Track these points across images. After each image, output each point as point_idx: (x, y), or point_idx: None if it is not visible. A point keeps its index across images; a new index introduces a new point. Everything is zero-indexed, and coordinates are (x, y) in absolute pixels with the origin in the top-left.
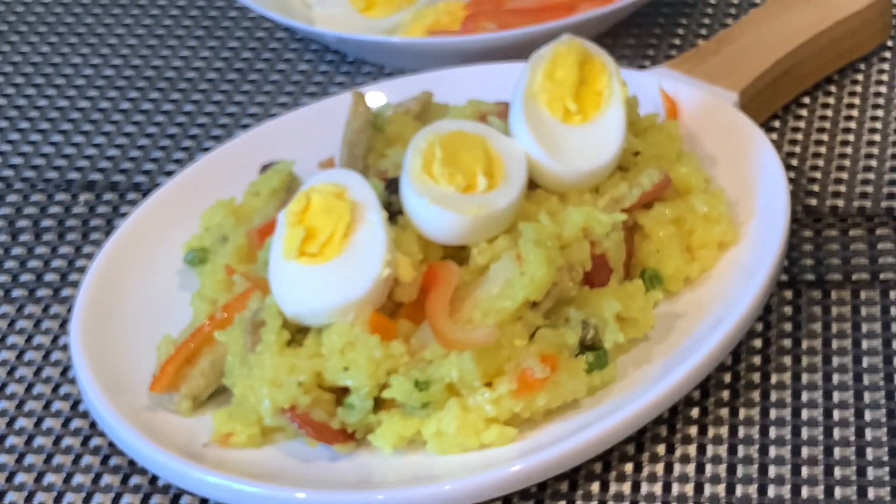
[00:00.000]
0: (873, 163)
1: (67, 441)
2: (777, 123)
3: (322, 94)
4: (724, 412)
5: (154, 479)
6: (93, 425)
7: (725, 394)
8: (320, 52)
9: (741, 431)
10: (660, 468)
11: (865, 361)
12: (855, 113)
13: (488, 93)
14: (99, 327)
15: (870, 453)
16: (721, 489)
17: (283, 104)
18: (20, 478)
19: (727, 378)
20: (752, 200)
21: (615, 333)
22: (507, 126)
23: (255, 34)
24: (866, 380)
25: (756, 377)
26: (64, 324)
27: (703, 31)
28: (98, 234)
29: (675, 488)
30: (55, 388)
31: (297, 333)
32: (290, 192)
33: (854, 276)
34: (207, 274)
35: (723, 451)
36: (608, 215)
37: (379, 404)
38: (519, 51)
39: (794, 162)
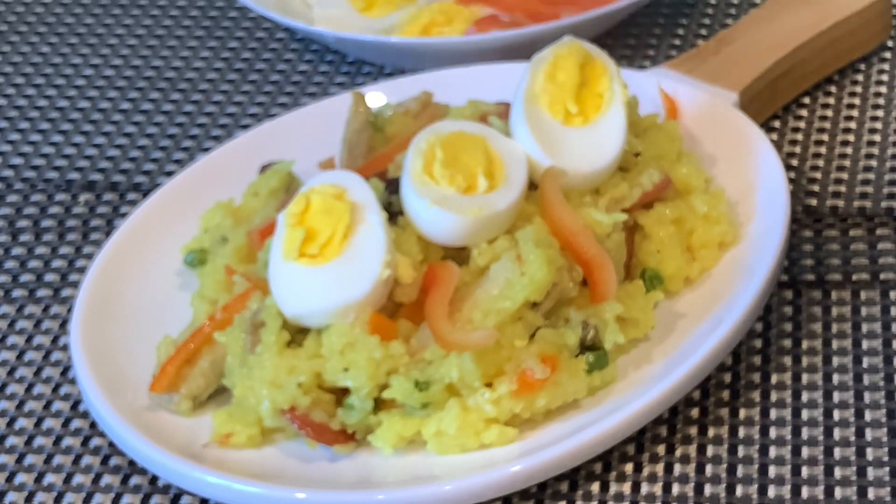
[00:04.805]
0: (873, 163)
1: (67, 441)
2: (777, 123)
3: (322, 94)
4: (724, 412)
5: (154, 479)
6: (93, 425)
7: (725, 394)
8: (320, 52)
9: (741, 431)
10: (660, 468)
11: (865, 361)
12: (855, 113)
13: (488, 93)
14: (99, 327)
15: (870, 453)
16: (721, 489)
17: (283, 104)
18: (20, 478)
19: (727, 378)
20: (752, 200)
21: (615, 334)
22: (507, 126)
23: (255, 34)
24: (866, 380)
25: (756, 377)
26: (64, 324)
27: (703, 31)
28: (98, 234)
29: (675, 488)
30: (55, 388)
31: (297, 334)
32: (290, 193)
33: (854, 276)
34: (207, 274)
35: (723, 451)
36: (609, 216)
37: (379, 405)
38: (519, 51)
39: (794, 162)
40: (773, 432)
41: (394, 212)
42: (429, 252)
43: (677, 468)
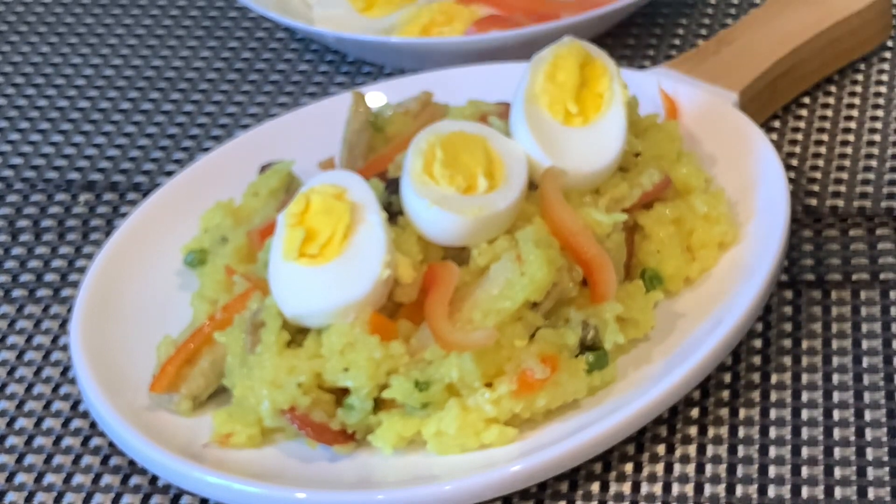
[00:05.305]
0: (873, 163)
1: (67, 441)
2: (777, 123)
3: (322, 94)
4: (724, 412)
5: (154, 479)
6: (93, 425)
7: (725, 394)
8: (320, 52)
9: (741, 431)
10: (660, 468)
11: (865, 361)
12: (855, 113)
13: (488, 93)
14: (99, 327)
15: (870, 453)
16: (721, 489)
17: (283, 104)
18: (20, 478)
19: (727, 378)
20: (752, 200)
21: (615, 334)
22: (507, 126)
23: (255, 34)
24: (866, 380)
25: (756, 377)
26: (64, 324)
27: (703, 31)
28: (98, 234)
29: (675, 488)
30: (55, 388)
31: (297, 334)
32: (290, 193)
33: (854, 276)
34: (207, 274)
35: (723, 451)
36: (609, 216)
37: (379, 405)
38: (519, 51)
39: (794, 162)
40: (773, 432)
41: (394, 212)
42: (429, 252)
43: (677, 468)
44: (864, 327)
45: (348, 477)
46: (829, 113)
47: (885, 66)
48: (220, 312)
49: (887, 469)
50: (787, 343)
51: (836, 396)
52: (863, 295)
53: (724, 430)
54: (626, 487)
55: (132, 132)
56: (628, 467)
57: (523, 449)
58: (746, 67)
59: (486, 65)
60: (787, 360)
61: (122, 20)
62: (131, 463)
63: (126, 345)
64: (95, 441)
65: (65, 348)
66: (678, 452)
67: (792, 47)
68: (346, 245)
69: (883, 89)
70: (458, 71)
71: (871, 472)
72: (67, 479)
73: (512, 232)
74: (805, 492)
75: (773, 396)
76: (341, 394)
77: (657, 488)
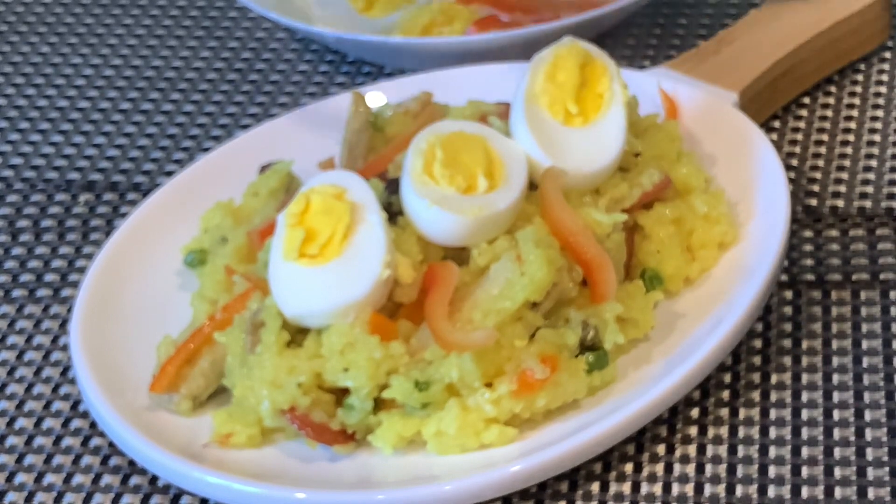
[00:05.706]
0: (873, 163)
1: (67, 441)
2: (777, 123)
3: (322, 94)
4: (724, 412)
5: (154, 479)
6: (93, 425)
7: (725, 394)
8: (320, 52)
9: (741, 431)
10: (660, 468)
11: (865, 361)
12: (855, 113)
13: (488, 93)
14: (99, 327)
15: (870, 453)
16: (721, 489)
17: (283, 104)
18: (20, 478)
19: (727, 378)
20: (752, 200)
21: (615, 334)
22: (507, 126)
23: (255, 34)
24: (866, 380)
25: (756, 377)
26: (64, 324)
27: (703, 31)
28: (98, 234)
29: (675, 488)
30: (55, 388)
31: (297, 334)
32: (289, 193)
33: (854, 276)
34: (207, 274)
35: (723, 451)
36: (609, 216)
37: (379, 405)
38: (519, 51)
39: (794, 162)
40: (773, 432)
41: (394, 212)
42: (429, 252)
43: (677, 468)
44: (864, 327)
45: (348, 477)
46: (829, 113)
47: (885, 66)
48: (220, 312)
49: (887, 469)
50: (787, 343)
51: (836, 396)
52: (863, 295)
53: (724, 430)
54: (626, 487)
55: (132, 132)
56: (628, 467)
57: (523, 449)
58: (746, 67)
59: (486, 65)
60: (787, 360)
61: (122, 20)
62: (131, 463)
63: (126, 345)
64: (95, 441)
65: (65, 348)
66: (678, 452)
67: (792, 47)
68: (346, 245)
69: (883, 89)
70: (458, 71)
71: (871, 472)
72: (67, 479)
73: (512, 232)
74: (805, 492)
75: (773, 396)
76: (341, 394)
77: (657, 488)
